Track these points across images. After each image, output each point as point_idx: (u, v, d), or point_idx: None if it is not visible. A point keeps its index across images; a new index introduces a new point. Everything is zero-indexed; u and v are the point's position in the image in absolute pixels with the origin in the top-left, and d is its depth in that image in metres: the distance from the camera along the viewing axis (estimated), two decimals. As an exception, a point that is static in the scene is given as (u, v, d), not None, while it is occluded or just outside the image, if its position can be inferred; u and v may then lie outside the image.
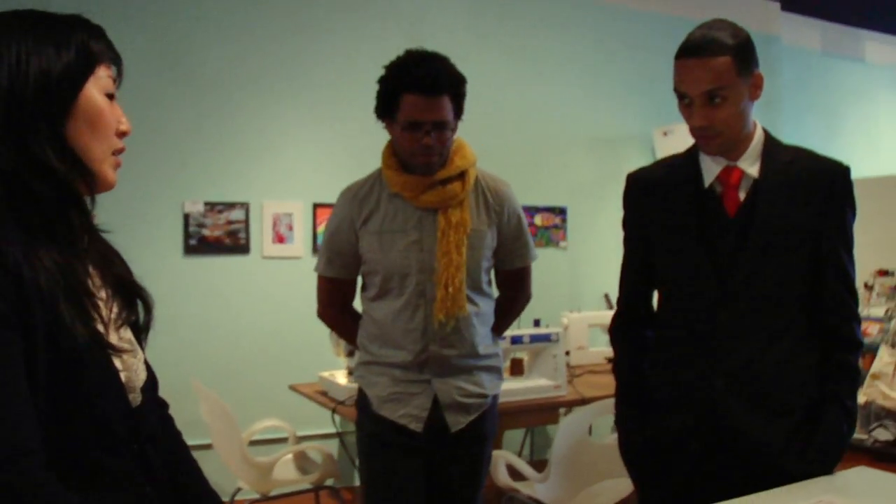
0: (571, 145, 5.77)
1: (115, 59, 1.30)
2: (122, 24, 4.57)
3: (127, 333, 1.32)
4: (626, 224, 2.22)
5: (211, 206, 4.81)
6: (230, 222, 4.86)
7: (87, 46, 1.24)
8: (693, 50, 1.86)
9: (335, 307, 2.69)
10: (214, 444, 3.73)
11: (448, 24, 5.33)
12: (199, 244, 4.79)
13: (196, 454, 4.73)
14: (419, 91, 2.33)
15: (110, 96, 1.29)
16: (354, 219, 2.51)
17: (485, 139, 5.44)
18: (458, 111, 2.46)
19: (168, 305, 4.59)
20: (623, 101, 5.86)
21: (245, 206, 4.89)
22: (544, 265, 5.62)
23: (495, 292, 2.70)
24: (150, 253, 4.68)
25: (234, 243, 4.88)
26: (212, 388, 3.67)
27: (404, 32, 5.16)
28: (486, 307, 2.59)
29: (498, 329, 2.69)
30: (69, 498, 1.10)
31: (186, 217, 4.75)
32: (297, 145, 4.98)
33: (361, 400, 2.60)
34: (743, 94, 1.89)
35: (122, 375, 1.26)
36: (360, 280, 2.65)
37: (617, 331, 2.24)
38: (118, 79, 1.32)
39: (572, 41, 5.77)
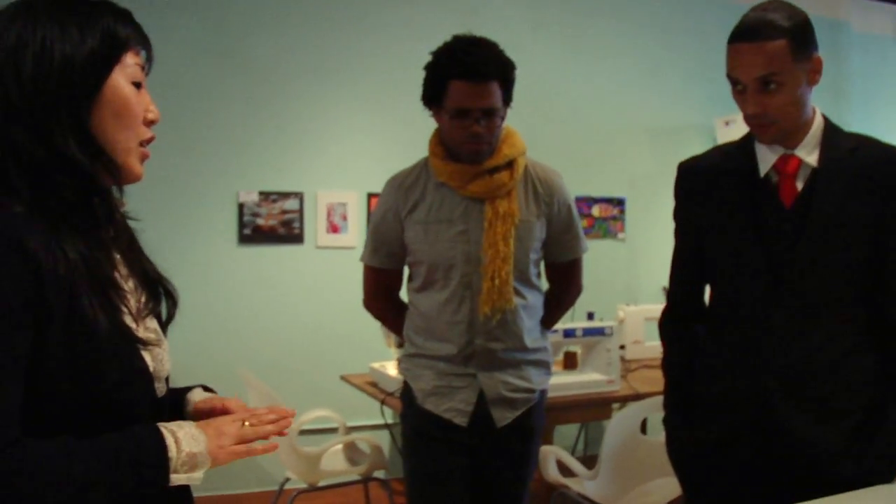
0: (630, 135, 5.65)
1: (144, 44, 1.26)
2: (177, 14, 4.61)
3: (153, 324, 1.31)
4: (677, 215, 2.13)
5: (265, 196, 4.82)
6: (284, 212, 4.87)
7: (114, 31, 1.20)
8: (746, 34, 1.77)
9: (380, 297, 2.65)
10: (264, 433, 3.73)
11: (503, 13, 5.25)
12: (253, 234, 4.80)
13: (246, 443, 4.71)
14: (467, 77, 2.27)
15: (137, 84, 1.24)
16: (400, 208, 2.47)
17: (541, 129, 5.40)
18: (507, 98, 2.38)
19: (222, 295, 4.73)
20: (683, 90, 5.72)
21: (299, 196, 4.89)
22: (601, 257, 5.56)
23: (545, 284, 2.64)
24: (205, 242, 4.72)
25: (289, 233, 4.88)
26: (263, 377, 3.67)
27: (459, 22, 5.04)
28: (535, 300, 2.53)
29: (547, 323, 2.62)
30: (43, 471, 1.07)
31: (241, 207, 4.77)
32: (351, 135, 4.96)
33: (406, 393, 2.56)
34: (800, 79, 1.78)
35: (150, 366, 1.24)
36: (406, 270, 2.62)
37: (666, 326, 2.16)
38: (147, 64, 1.28)
39: (631, 28, 5.64)
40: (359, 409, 4.37)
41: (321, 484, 3.66)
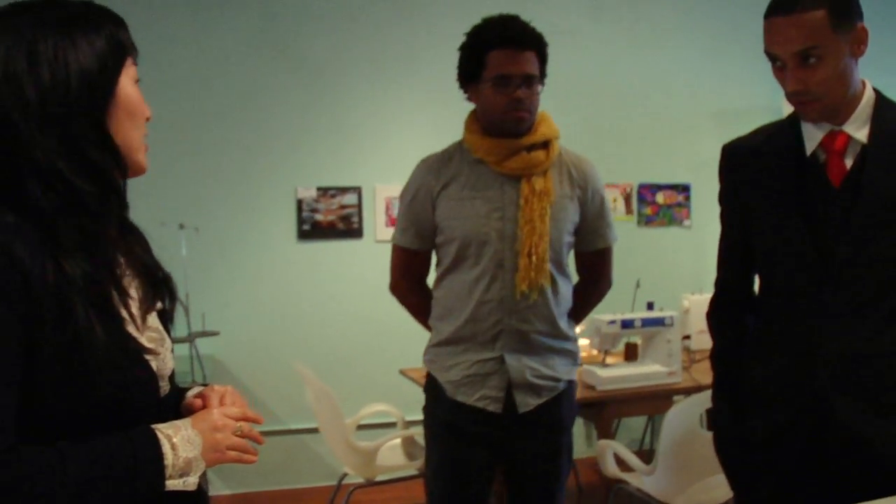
0: (694, 119, 5.49)
1: (135, 50, 1.28)
2: (233, 12, 4.65)
3: (155, 322, 1.30)
4: (723, 198, 2.04)
5: (323, 191, 4.83)
6: (343, 207, 4.88)
7: (117, 37, 1.23)
8: (782, 6, 1.67)
9: (408, 279, 2.63)
10: (321, 428, 3.74)
11: (561, 1, 5.15)
12: (312, 229, 4.82)
13: (304, 438, 4.82)
14: (507, 45, 2.33)
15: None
16: (432, 186, 2.46)
17: (602, 116, 5.31)
18: (543, 72, 2.42)
19: (281, 290, 4.76)
20: (748, 71, 5.51)
21: (357, 191, 4.89)
22: (665, 245, 5.44)
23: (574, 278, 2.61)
24: (265, 238, 4.76)
25: (347, 228, 4.89)
26: (322, 372, 3.68)
27: (516, 9, 5.01)
28: (565, 288, 2.49)
29: (576, 317, 2.58)
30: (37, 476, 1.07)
31: (300, 202, 4.80)
32: (408, 128, 4.93)
33: (432, 386, 2.53)
34: (842, 51, 1.67)
35: (154, 367, 1.24)
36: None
37: (713, 316, 2.07)
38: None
39: (690, 9, 5.47)
40: (417, 403, 4.30)
41: (379, 479, 3.65)
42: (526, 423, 2.42)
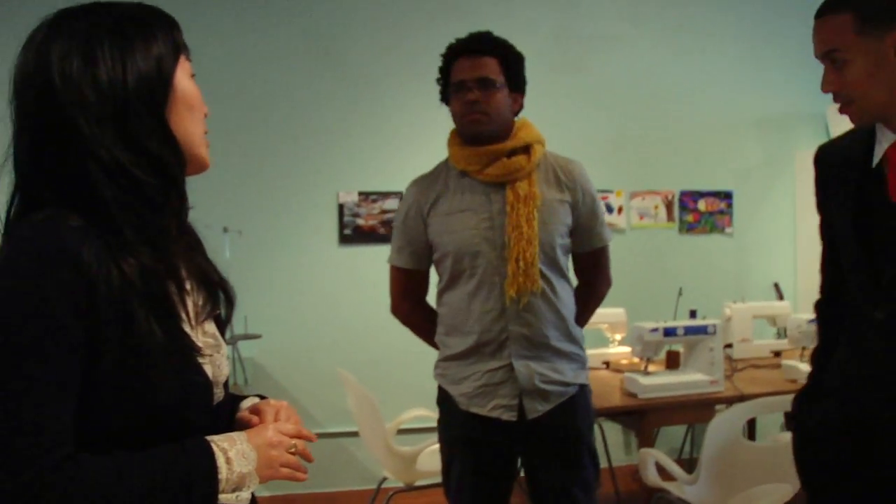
0: (737, 125, 5.43)
1: (187, 49, 1.30)
2: (275, 17, 4.70)
3: (211, 327, 1.30)
4: (816, 204, 1.99)
5: (365, 196, 4.86)
6: (384, 211, 4.90)
7: (171, 37, 1.25)
8: (818, 11, 1.70)
9: (408, 300, 2.69)
10: (361, 432, 3.76)
11: (603, 7, 5.12)
12: (353, 234, 4.85)
13: (345, 441, 4.82)
14: (465, 53, 2.45)
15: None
16: (422, 204, 2.51)
17: (642, 122, 5.28)
18: (512, 80, 2.48)
19: (323, 295, 4.79)
20: (791, 77, 5.45)
21: (399, 196, 4.91)
22: (707, 252, 5.39)
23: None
24: (307, 243, 4.80)
25: (389, 232, 4.87)
26: (363, 376, 3.69)
27: (559, 17, 5.03)
28: (564, 290, 2.52)
29: (580, 320, 2.60)
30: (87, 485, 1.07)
31: (341, 207, 4.82)
32: (449, 133, 4.94)
33: (445, 400, 2.56)
34: (875, 53, 1.64)
35: (209, 372, 1.23)
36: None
37: (819, 307, 2.04)
38: None
39: (733, 16, 5.41)
40: (457, 408, 4.34)
41: (418, 483, 3.65)
42: (540, 432, 2.44)
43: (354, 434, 4.20)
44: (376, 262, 4.86)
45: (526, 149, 2.46)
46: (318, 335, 4.78)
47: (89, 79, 1.14)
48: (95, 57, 1.15)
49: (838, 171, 1.84)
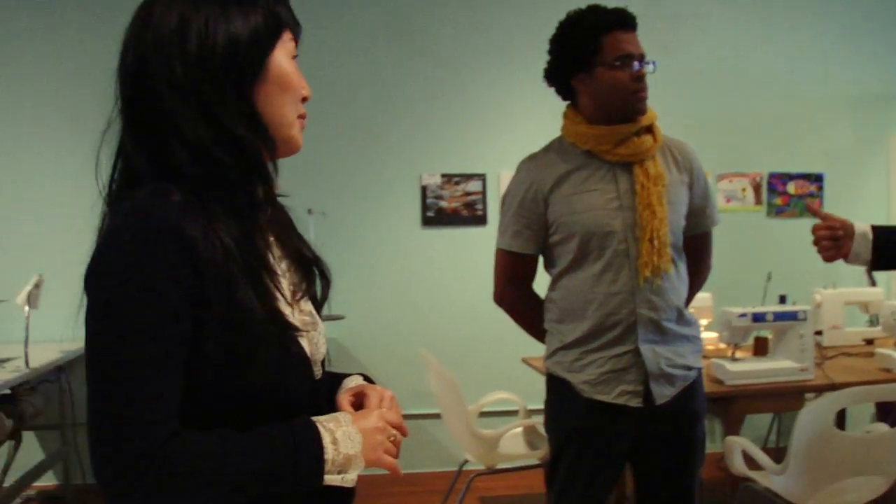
0: (828, 106, 5.27)
1: (296, 25, 1.26)
2: (356, 1, 4.71)
3: (308, 306, 1.30)
4: None
5: (448, 178, 4.87)
6: (467, 194, 4.91)
7: (274, 10, 1.21)
8: None
9: (517, 286, 2.57)
10: (443, 414, 3.79)
11: (690, -18, 5.03)
12: (436, 216, 4.87)
13: (426, 423, 4.87)
14: (623, 27, 2.35)
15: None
16: (543, 184, 2.41)
17: (730, 102, 5.16)
18: None
19: (406, 276, 4.83)
20: (887, 54, 5.27)
21: (482, 178, 4.92)
22: (796, 237, 5.23)
23: None
24: (390, 225, 4.84)
25: (471, 214, 4.92)
26: (446, 358, 3.70)
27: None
28: (684, 272, 2.47)
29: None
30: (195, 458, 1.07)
31: (424, 189, 4.85)
32: (532, 115, 4.89)
33: (559, 390, 2.47)
34: None
35: (306, 349, 1.24)
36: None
37: None
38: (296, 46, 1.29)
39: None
40: (539, 392, 4.30)
41: (500, 466, 3.67)
42: (664, 416, 2.38)
43: (436, 416, 4.23)
44: (459, 244, 4.91)
45: (649, 129, 2.40)
46: (400, 316, 4.83)
47: (179, 50, 1.14)
48: (189, 28, 1.14)
49: None
